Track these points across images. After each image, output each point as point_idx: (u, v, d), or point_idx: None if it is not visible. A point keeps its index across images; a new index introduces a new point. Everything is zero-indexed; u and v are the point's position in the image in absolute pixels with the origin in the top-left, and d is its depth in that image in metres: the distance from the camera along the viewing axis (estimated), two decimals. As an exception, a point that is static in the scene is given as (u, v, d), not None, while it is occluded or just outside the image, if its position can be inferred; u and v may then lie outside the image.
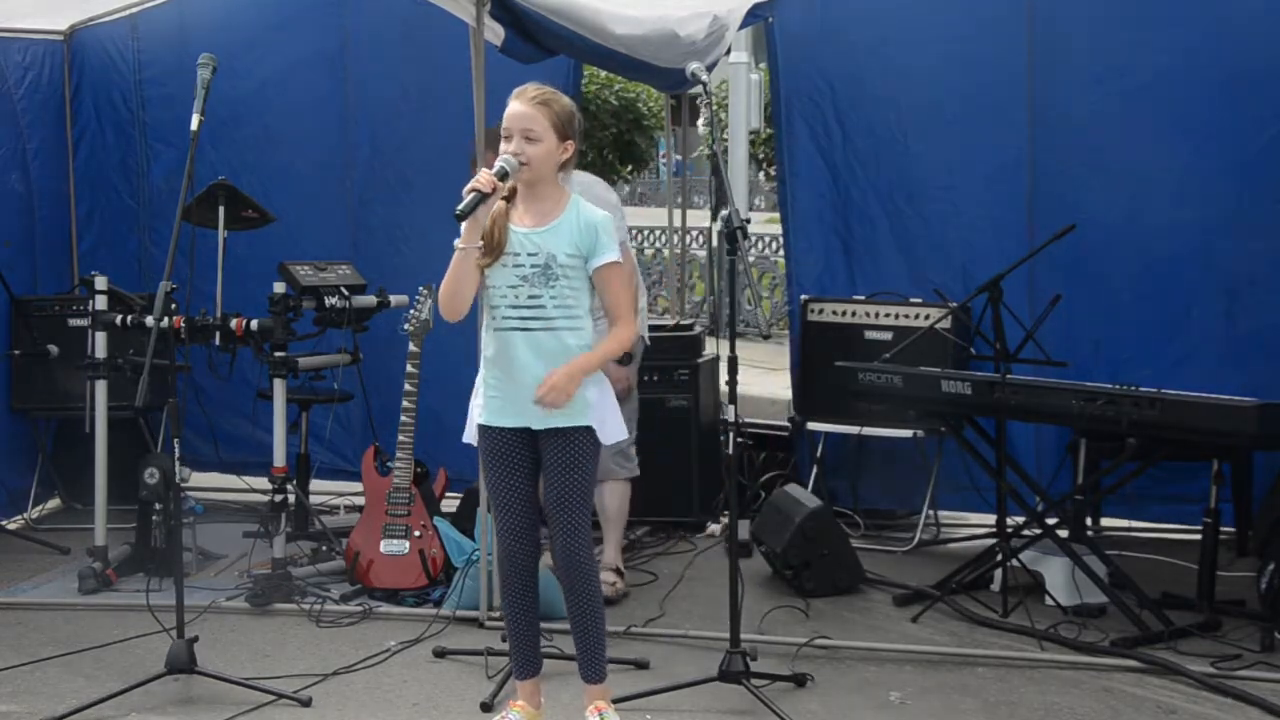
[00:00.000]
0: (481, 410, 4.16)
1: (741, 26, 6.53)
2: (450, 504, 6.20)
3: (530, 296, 4.06)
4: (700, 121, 9.71)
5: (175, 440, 4.77)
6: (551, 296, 4.06)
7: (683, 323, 7.00)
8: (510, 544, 4.18)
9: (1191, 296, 5.96)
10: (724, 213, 4.35)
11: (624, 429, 4.23)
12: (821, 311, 6.60)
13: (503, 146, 4.06)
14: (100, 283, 5.89)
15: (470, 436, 4.25)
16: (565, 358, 4.05)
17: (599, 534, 5.53)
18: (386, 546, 5.65)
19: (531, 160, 4.03)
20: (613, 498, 5.67)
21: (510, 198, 4.08)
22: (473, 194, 3.91)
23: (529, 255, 4.06)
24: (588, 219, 4.11)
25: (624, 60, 5.75)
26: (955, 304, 6.07)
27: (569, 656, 4.52)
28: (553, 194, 4.13)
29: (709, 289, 12.63)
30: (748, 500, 6.51)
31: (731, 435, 4.46)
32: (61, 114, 7.19)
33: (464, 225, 3.95)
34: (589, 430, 4.11)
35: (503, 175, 3.98)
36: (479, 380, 4.21)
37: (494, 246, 4.05)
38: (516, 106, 4.07)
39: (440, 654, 4.98)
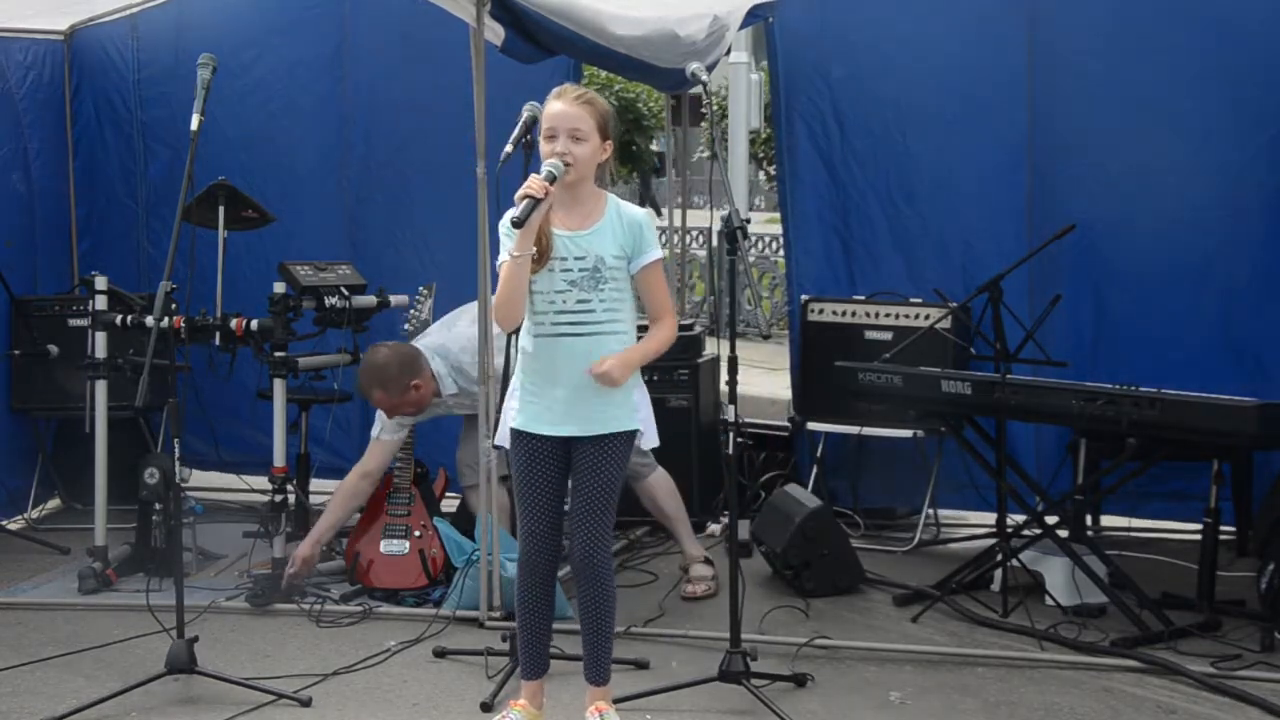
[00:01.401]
0: (517, 415, 4.14)
1: (741, 26, 6.53)
2: (450, 504, 6.20)
3: (579, 301, 4.04)
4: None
5: (175, 440, 4.78)
6: (600, 300, 4.04)
7: (683, 323, 6.99)
8: (534, 546, 4.16)
9: (1192, 296, 5.95)
10: (723, 213, 4.36)
11: (656, 435, 4.23)
12: (821, 311, 6.60)
13: (545, 146, 4.04)
14: (100, 283, 5.89)
15: (503, 439, 4.24)
16: None
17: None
18: (386, 546, 5.65)
19: (578, 160, 4.01)
20: (660, 493, 5.69)
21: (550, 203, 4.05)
22: (526, 200, 3.89)
23: (576, 259, 4.04)
24: (630, 218, 4.10)
25: (624, 60, 5.75)
26: (955, 304, 6.07)
27: (569, 657, 4.52)
28: (592, 195, 4.11)
29: (709, 289, 12.64)
30: (748, 500, 6.52)
31: (731, 435, 4.46)
32: (62, 114, 7.19)
33: (519, 233, 3.91)
34: (630, 435, 4.11)
35: (551, 179, 3.95)
36: (514, 384, 4.19)
37: (541, 252, 4.01)
38: (561, 106, 4.04)
39: (440, 654, 4.98)
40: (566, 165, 3.99)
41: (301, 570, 5.60)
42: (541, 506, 4.14)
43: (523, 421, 4.13)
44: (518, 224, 3.88)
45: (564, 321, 4.05)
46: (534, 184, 3.92)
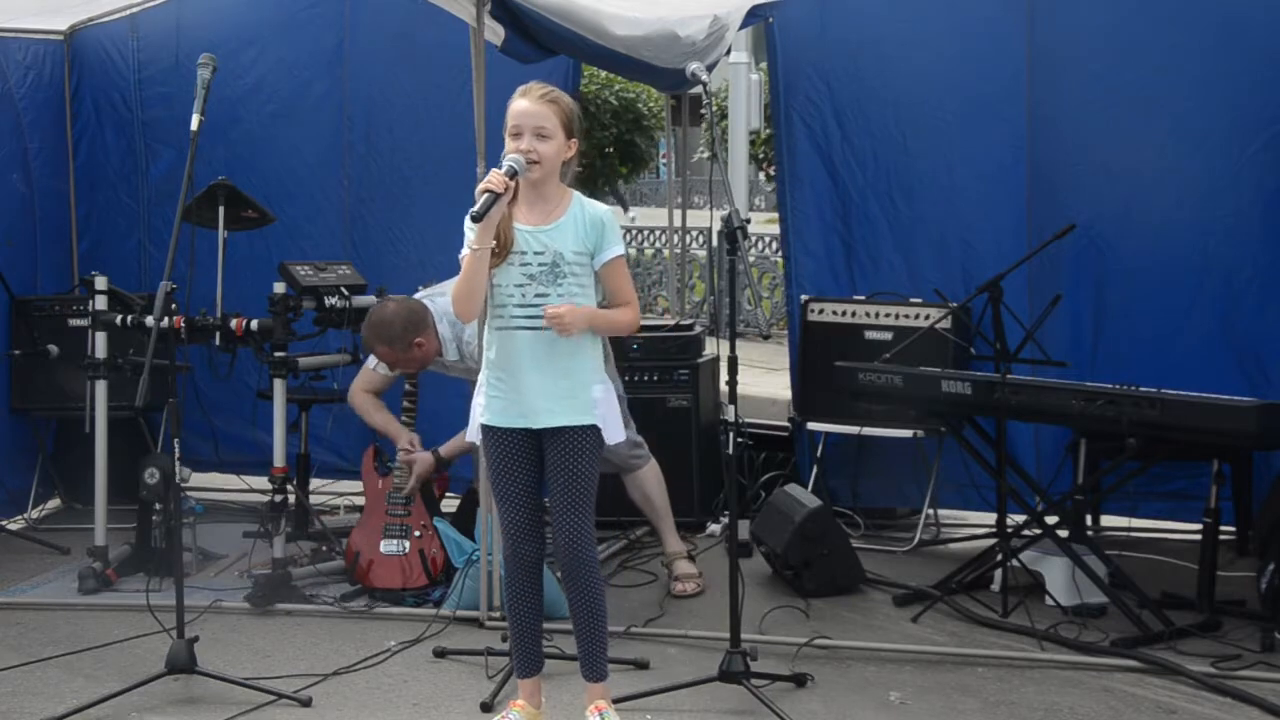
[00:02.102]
0: (484, 410, 4.17)
1: (741, 26, 6.53)
2: (450, 504, 6.20)
3: (538, 295, 4.07)
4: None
5: (175, 440, 4.78)
6: (559, 295, 4.07)
7: (683, 323, 7.00)
8: (515, 542, 4.18)
9: (1191, 296, 5.95)
10: (723, 213, 4.37)
11: (623, 430, 4.26)
12: (821, 311, 6.60)
13: (510, 144, 4.06)
14: (100, 283, 5.89)
15: (474, 435, 4.26)
16: (573, 357, 4.07)
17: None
18: (386, 546, 5.65)
19: (543, 157, 4.04)
20: (650, 485, 5.73)
21: (512, 197, 4.09)
22: (486, 194, 3.92)
23: (535, 254, 4.07)
24: (592, 215, 4.13)
25: (624, 60, 5.75)
26: (955, 304, 6.07)
27: (569, 656, 4.52)
28: (556, 192, 4.14)
29: (709, 289, 12.63)
30: (748, 500, 6.52)
31: (731, 435, 4.46)
32: (62, 114, 7.19)
33: (478, 226, 3.95)
34: (593, 429, 4.11)
35: (512, 174, 3.98)
36: (481, 379, 4.21)
37: (502, 247, 4.05)
38: (526, 104, 4.07)
39: (440, 654, 4.98)
40: (531, 163, 4.02)
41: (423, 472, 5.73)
42: (519, 499, 4.16)
43: (490, 416, 4.15)
44: (476, 219, 3.92)
45: (522, 315, 4.08)
46: (494, 179, 3.95)
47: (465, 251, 4.03)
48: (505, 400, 4.13)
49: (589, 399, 4.10)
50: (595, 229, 4.11)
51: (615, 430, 4.19)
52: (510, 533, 4.19)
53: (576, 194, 4.18)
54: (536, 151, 4.03)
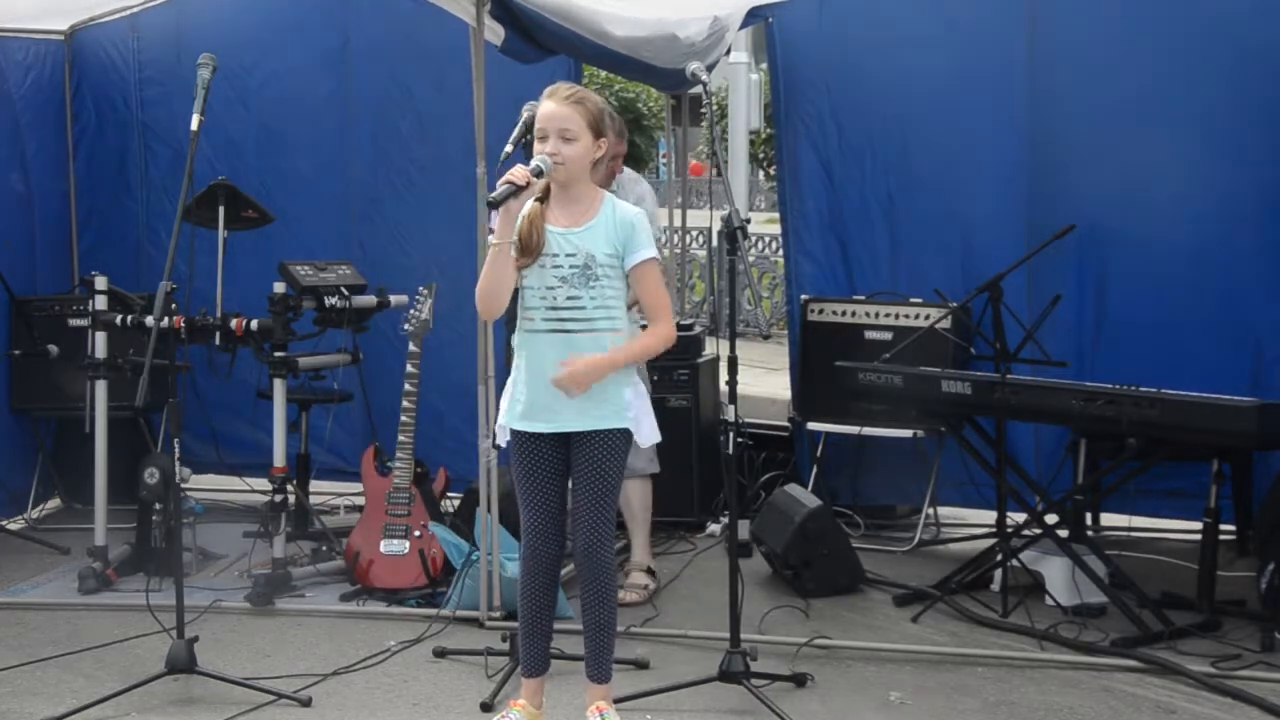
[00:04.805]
0: (513, 414, 4.14)
1: (741, 27, 6.54)
2: (450, 505, 6.20)
3: (569, 298, 4.05)
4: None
5: (175, 440, 4.78)
6: (591, 297, 4.05)
7: (683, 323, 6.99)
8: (536, 543, 4.17)
9: (1192, 295, 5.94)
10: (723, 213, 4.37)
11: (657, 431, 4.21)
12: (821, 311, 6.60)
13: (538, 146, 4.06)
14: (100, 283, 5.89)
15: (501, 437, 4.24)
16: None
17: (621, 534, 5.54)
18: (386, 546, 5.65)
19: (568, 159, 4.03)
20: (637, 495, 5.68)
21: (544, 198, 4.07)
22: (506, 184, 3.92)
23: (567, 256, 4.06)
24: (623, 216, 4.11)
25: (624, 61, 5.75)
26: (955, 304, 6.07)
27: (569, 657, 4.52)
28: (587, 193, 4.13)
29: (709, 289, 12.63)
30: (748, 500, 6.52)
31: (731, 435, 4.46)
32: (62, 114, 7.19)
33: (497, 220, 3.94)
34: (624, 432, 4.11)
35: (538, 172, 3.98)
36: (510, 382, 4.20)
37: (532, 248, 4.03)
38: (551, 106, 4.06)
39: (440, 654, 4.98)
40: (557, 165, 4.01)
41: None
42: (543, 503, 4.15)
43: (519, 420, 4.14)
44: (492, 205, 3.92)
45: (554, 318, 4.06)
46: (517, 172, 3.95)
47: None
48: (533, 404, 4.10)
49: (621, 402, 4.09)
50: (625, 230, 4.08)
51: (650, 431, 4.17)
52: (531, 534, 4.17)
53: (610, 195, 4.17)
54: (561, 154, 4.02)
